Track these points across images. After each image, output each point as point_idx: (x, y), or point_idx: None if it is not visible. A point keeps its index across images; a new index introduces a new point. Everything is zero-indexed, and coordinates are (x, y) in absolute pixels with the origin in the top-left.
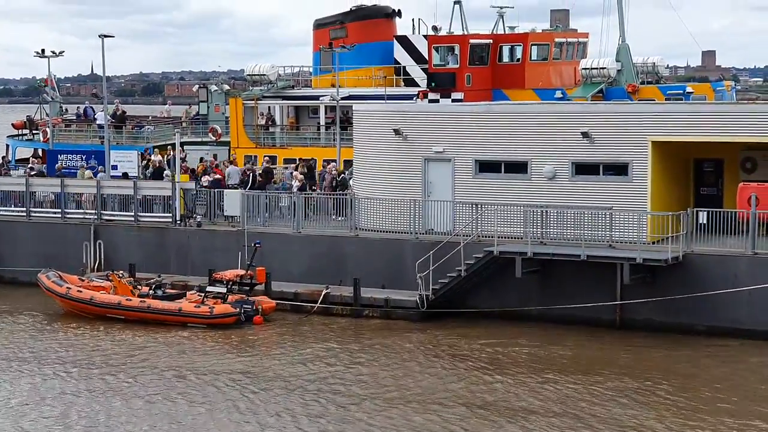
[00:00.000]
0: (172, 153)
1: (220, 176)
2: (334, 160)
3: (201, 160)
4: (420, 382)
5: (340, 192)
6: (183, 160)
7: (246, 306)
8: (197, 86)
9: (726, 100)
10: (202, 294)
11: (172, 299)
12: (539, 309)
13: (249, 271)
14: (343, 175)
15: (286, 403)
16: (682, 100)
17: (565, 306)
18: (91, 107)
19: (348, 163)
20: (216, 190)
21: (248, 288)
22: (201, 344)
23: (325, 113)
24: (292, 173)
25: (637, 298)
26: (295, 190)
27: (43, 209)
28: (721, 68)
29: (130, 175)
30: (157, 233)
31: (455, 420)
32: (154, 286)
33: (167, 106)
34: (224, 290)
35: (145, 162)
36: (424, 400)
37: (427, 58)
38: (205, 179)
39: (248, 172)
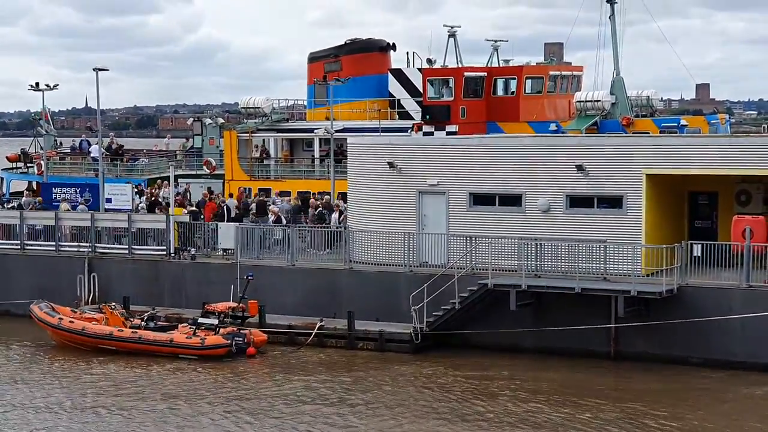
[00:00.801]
0: (176, 186)
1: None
2: (328, 193)
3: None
4: (414, 412)
5: (324, 225)
6: (178, 194)
7: (237, 338)
8: (192, 119)
9: (720, 133)
10: (194, 326)
11: (163, 330)
12: (534, 341)
13: (241, 304)
14: (320, 209)
15: None
16: (676, 133)
17: (559, 332)
18: (87, 140)
19: (342, 196)
20: (210, 223)
21: (240, 320)
22: (192, 375)
23: (320, 146)
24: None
25: (632, 330)
26: (270, 221)
27: (36, 242)
28: (715, 101)
29: (123, 209)
30: (152, 266)
31: None
32: (146, 317)
33: (167, 139)
34: (216, 322)
35: (146, 195)
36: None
37: (421, 90)
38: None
39: (221, 205)
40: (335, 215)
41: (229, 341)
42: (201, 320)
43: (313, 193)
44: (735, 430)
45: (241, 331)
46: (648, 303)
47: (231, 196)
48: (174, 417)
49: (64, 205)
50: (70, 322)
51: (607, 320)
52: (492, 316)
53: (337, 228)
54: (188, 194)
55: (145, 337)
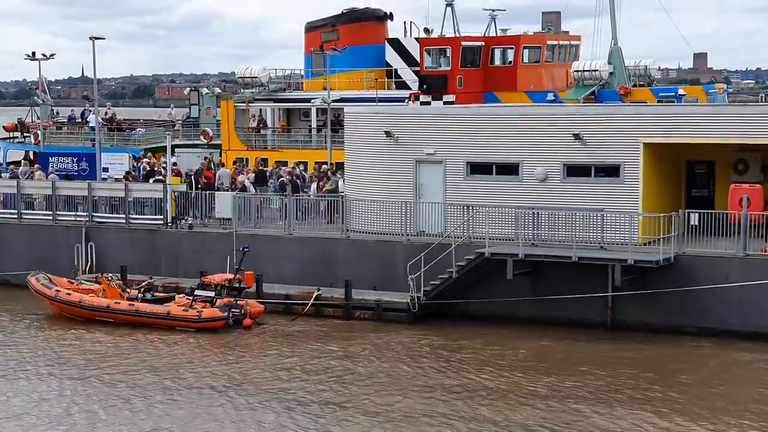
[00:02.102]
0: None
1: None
2: (326, 163)
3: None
4: (414, 381)
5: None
6: (175, 163)
7: (234, 310)
8: (188, 89)
9: (718, 102)
10: (191, 298)
11: (160, 303)
12: (531, 310)
13: (238, 275)
14: (282, 179)
15: (273, 405)
16: (674, 102)
17: (556, 301)
18: (89, 109)
19: (339, 166)
20: (207, 192)
21: (237, 292)
22: (189, 348)
23: (317, 116)
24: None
25: (629, 299)
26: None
27: (33, 211)
28: (713, 70)
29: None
30: (149, 235)
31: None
32: (143, 289)
33: (170, 109)
34: (212, 294)
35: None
36: (411, 407)
37: (418, 60)
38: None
39: (190, 174)
40: (314, 185)
41: (226, 313)
42: (198, 292)
43: (317, 163)
44: (717, 395)
45: (238, 303)
46: (645, 272)
47: (223, 165)
48: (170, 385)
49: (38, 174)
50: (67, 294)
51: (604, 289)
52: (489, 286)
53: (319, 197)
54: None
55: (142, 309)
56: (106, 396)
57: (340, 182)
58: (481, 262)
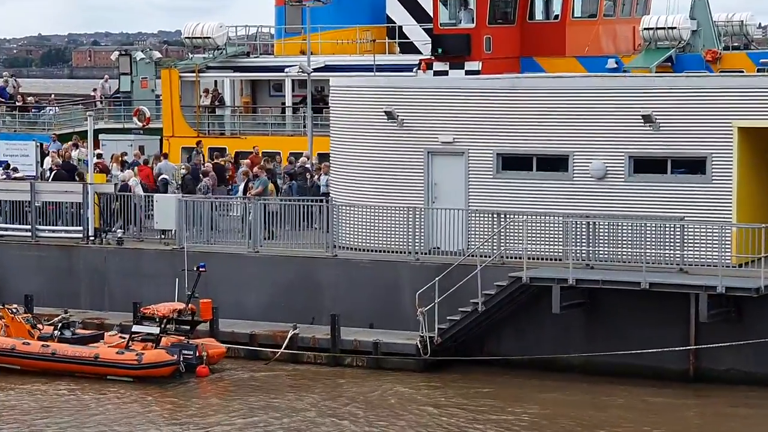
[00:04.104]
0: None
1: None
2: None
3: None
4: None
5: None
6: (98, 156)
7: (186, 352)
8: (116, 53)
9: None
10: (126, 336)
11: (85, 343)
12: (584, 356)
13: (190, 305)
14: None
15: None
16: None
17: (620, 352)
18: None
19: (323, 157)
20: (144, 195)
21: (189, 328)
22: (124, 405)
23: (293, 90)
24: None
25: (719, 341)
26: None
27: None
28: None
29: (27, 175)
30: (63, 254)
31: None
32: (59, 325)
33: (104, 81)
34: (157, 330)
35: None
36: None
37: (431, 14)
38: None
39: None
40: (242, 186)
41: (175, 357)
42: (137, 328)
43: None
44: None
45: (191, 343)
46: (740, 303)
47: (166, 156)
48: None
49: None
50: None
51: (684, 327)
52: (527, 322)
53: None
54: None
55: (60, 352)
56: None
57: (326, 179)
58: (516, 290)
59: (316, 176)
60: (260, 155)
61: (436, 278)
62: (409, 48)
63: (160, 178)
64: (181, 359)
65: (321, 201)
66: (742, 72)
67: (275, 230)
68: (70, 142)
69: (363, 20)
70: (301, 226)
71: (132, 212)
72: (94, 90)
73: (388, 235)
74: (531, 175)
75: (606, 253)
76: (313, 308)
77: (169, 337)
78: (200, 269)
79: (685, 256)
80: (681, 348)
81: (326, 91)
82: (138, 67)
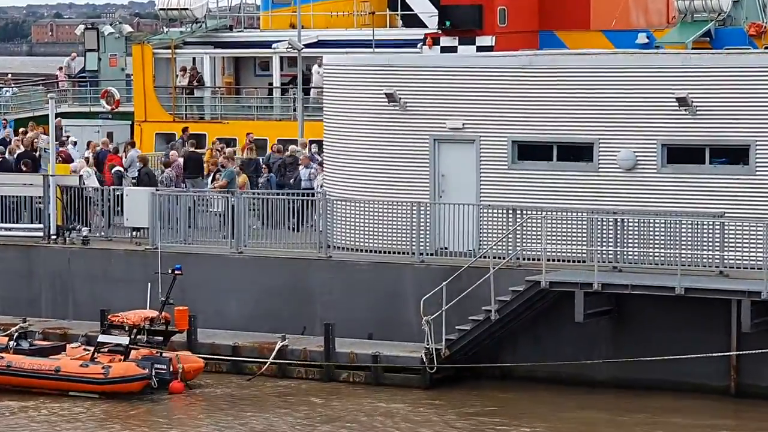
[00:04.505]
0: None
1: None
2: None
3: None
4: None
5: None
6: (62, 143)
7: (159, 366)
8: (82, 27)
9: None
10: (92, 347)
11: (45, 355)
12: (611, 369)
13: (164, 313)
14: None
15: None
16: None
17: (651, 365)
18: None
19: (317, 145)
20: (112, 188)
21: (162, 338)
22: (87, 425)
23: (281, 69)
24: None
25: (762, 351)
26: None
27: None
28: None
29: None
30: (21, 255)
31: None
32: (15, 335)
33: (70, 59)
34: (126, 341)
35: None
36: None
37: None
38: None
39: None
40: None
41: (146, 370)
42: (103, 338)
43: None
44: None
45: (164, 356)
46: None
47: (133, 145)
48: None
49: None
50: None
51: (724, 337)
52: (547, 332)
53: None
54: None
55: (17, 365)
56: None
57: (308, 172)
58: (534, 295)
59: (300, 168)
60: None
61: (444, 283)
62: (412, 21)
63: (114, 170)
64: (153, 373)
65: (311, 195)
66: None
67: (261, 229)
68: (26, 128)
69: None
70: (284, 224)
71: (102, 207)
72: (60, 69)
73: (389, 234)
74: (551, 165)
75: (635, 254)
76: (304, 316)
77: (140, 349)
78: (176, 272)
79: (726, 257)
80: (721, 359)
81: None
82: (106, 43)
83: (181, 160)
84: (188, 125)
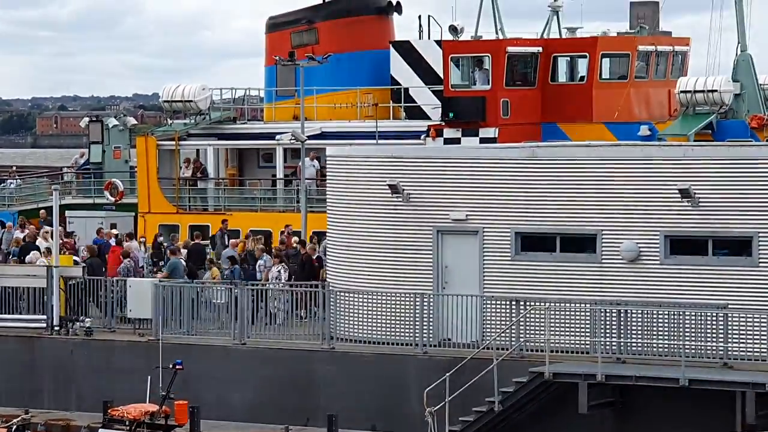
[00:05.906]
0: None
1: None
2: (299, 233)
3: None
4: None
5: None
6: (68, 234)
7: None
8: (86, 119)
9: None
10: None
11: None
12: None
13: (165, 407)
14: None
15: None
16: None
17: None
18: None
19: (319, 236)
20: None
21: None
22: None
23: (285, 160)
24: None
25: None
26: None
27: None
28: None
29: None
30: (24, 346)
31: None
32: (14, 427)
33: (78, 156)
34: None
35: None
36: None
37: (441, 75)
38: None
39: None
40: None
41: None
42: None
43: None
44: None
45: None
46: None
47: (133, 237)
48: None
49: None
50: None
51: (728, 429)
52: (551, 424)
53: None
54: None
55: None
56: None
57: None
58: (538, 387)
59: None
60: (291, 235)
61: (447, 374)
62: (416, 113)
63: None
64: None
65: (316, 286)
66: None
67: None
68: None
69: (364, 82)
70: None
71: (106, 298)
72: (75, 162)
73: (393, 325)
74: (554, 257)
75: (639, 345)
76: (307, 408)
77: None
78: (177, 367)
79: (729, 349)
80: None
81: (323, 162)
82: (110, 135)
83: (185, 251)
84: (185, 216)
